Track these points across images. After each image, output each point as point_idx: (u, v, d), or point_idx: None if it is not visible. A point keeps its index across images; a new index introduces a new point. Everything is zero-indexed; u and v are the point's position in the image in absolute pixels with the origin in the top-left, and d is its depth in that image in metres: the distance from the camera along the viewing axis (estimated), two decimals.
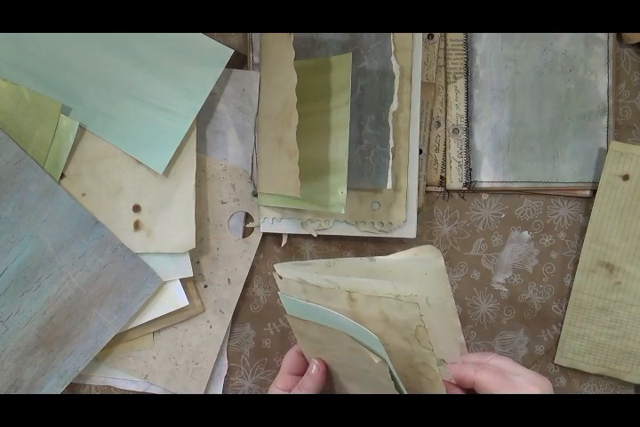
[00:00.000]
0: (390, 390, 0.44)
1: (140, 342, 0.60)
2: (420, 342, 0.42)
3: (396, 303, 0.41)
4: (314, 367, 0.48)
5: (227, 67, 0.56)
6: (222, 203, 0.60)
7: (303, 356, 0.50)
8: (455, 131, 0.61)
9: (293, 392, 0.48)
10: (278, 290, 0.46)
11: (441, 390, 0.43)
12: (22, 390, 0.56)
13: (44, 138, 0.55)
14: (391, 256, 0.45)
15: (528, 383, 0.43)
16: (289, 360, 0.50)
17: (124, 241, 0.57)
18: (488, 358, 0.45)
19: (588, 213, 0.61)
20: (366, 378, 0.46)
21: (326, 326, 0.44)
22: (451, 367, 0.45)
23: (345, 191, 0.53)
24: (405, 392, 0.44)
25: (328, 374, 0.48)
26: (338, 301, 0.43)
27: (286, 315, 0.47)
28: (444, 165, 0.61)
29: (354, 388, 0.48)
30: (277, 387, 0.49)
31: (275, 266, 0.45)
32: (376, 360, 0.42)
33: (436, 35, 0.59)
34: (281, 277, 0.45)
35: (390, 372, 0.42)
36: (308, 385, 0.48)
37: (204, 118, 0.59)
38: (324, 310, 0.43)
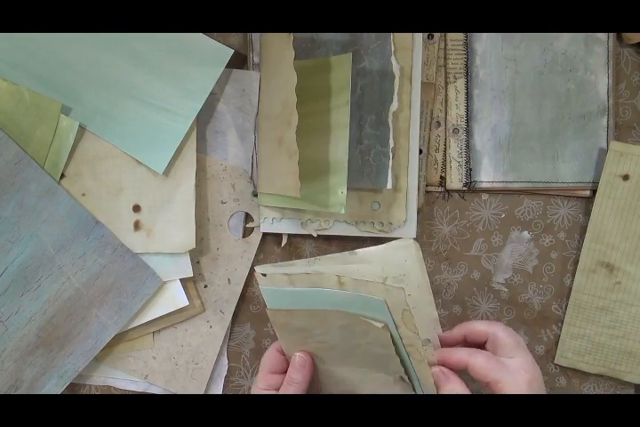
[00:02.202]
0: (389, 357, 0.44)
1: (140, 342, 0.60)
2: (406, 325, 0.43)
3: (383, 288, 0.43)
4: (297, 360, 0.48)
5: (227, 67, 0.56)
6: (222, 203, 0.60)
7: (283, 354, 0.50)
8: (455, 131, 0.61)
9: (282, 389, 0.48)
10: (259, 286, 0.47)
11: (426, 371, 0.45)
12: (22, 390, 0.56)
13: (44, 138, 0.55)
14: (371, 248, 0.46)
15: (519, 368, 0.44)
16: (269, 359, 0.50)
17: (124, 241, 0.57)
18: (495, 328, 0.46)
19: (588, 213, 0.61)
20: (358, 354, 0.46)
21: (314, 309, 0.44)
22: (442, 352, 0.46)
23: (345, 191, 0.53)
24: (405, 355, 0.45)
25: (313, 364, 0.48)
26: (327, 285, 0.44)
27: (267, 309, 0.47)
28: (444, 165, 0.61)
29: (342, 371, 0.49)
30: (259, 388, 0.49)
31: (255, 267, 0.46)
32: (379, 325, 0.43)
33: (436, 35, 0.59)
34: (264, 275, 0.45)
35: (391, 336, 0.43)
36: (297, 378, 0.48)
37: (204, 118, 0.59)
38: (315, 290, 0.44)
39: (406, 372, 0.46)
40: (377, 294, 0.43)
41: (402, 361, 0.46)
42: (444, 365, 0.45)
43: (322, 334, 0.47)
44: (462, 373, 0.45)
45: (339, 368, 0.49)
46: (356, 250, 0.47)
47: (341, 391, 0.50)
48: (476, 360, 0.44)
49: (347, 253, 0.47)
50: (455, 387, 0.44)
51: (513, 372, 0.44)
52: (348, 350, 0.47)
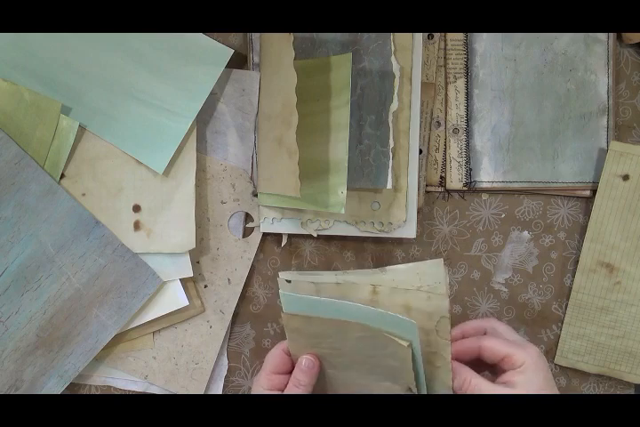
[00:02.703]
0: (403, 370, 0.44)
1: (140, 342, 0.60)
2: (438, 333, 0.44)
3: (425, 295, 0.43)
4: (305, 362, 0.48)
5: (227, 67, 0.56)
6: (222, 203, 0.60)
7: (288, 355, 0.49)
8: (455, 131, 0.61)
9: (287, 390, 0.48)
10: (279, 289, 0.46)
11: (447, 374, 0.45)
12: (22, 390, 0.56)
13: (43, 138, 0.55)
14: (401, 265, 0.46)
15: (526, 343, 0.47)
16: (274, 359, 0.49)
17: (124, 241, 0.57)
18: (491, 321, 0.50)
19: (588, 213, 0.61)
20: (370, 363, 0.46)
21: (336, 319, 0.44)
22: (453, 344, 0.47)
23: (345, 191, 0.53)
24: (422, 370, 0.45)
25: (320, 367, 0.48)
26: (359, 294, 0.44)
27: (283, 313, 0.47)
28: (444, 165, 0.61)
29: (349, 375, 0.48)
30: (263, 387, 0.48)
31: (280, 273, 0.45)
32: (404, 344, 0.43)
33: (436, 35, 0.59)
34: (289, 281, 0.45)
35: (413, 354, 0.43)
36: (304, 381, 0.47)
37: (204, 118, 0.59)
38: (342, 302, 0.43)
39: (417, 385, 0.46)
40: (417, 302, 0.43)
41: (416, 375, 0.45)
42: (456, 358, 0.47)
43: (336, 341, 0.46)
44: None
45: (346, 373, 0.48)
46: (386, 267, 0.46)
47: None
48: (487, 341, 0.47)
49: (377, 269, 0.46)
50: (468, 375, 0.46)
51: (523, 346, 0.46)
52: (361, 358, 0.46)
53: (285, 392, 0.48)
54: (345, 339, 0.45)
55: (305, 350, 0.48)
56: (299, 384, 0.47)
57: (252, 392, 0.50)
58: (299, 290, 0.45)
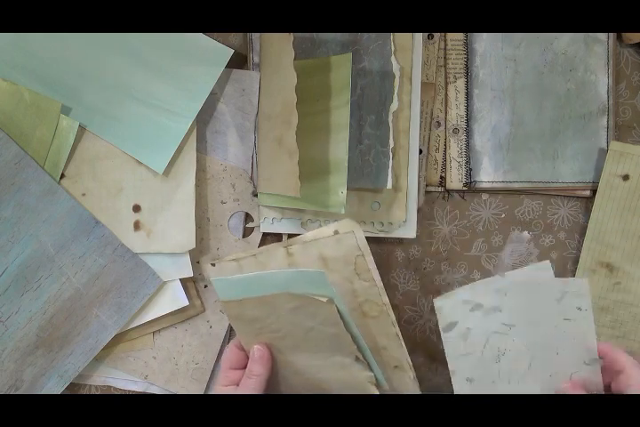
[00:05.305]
0: (340, 335, 0.44)
1: (140, 342, 0.60)
2: (359, 276, 0.43)
3: (334, 239, 0.43)
4: (255, 352, 0.48)
5: (227, 67, 0.56)
6: (222, 203, 0.60)
7: (242, 350, 0.50)
8: (455, 131, 0.61)
9: (242, 382, 0.48)
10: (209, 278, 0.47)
11: (387, 324, 0.46)
12: (22, 390, 0.56)
13: (43, 138, 0.55)
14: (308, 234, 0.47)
15: None
16: (229, 355, 0.50)
17: (124, 241, 0.57)
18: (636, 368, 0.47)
19: (588, 213, 0.61)
20: (312, 338, 0.46)
21: (263, 295, 0.44)
22: (613, 345, 0.47)
23: (345, 191, 0.53)
24: (356, 330, 0.45)
25: (272, 355, 0.49)
26: (275, 261, 0.44)
27: (220, 301, 0.47)
28: (444, 165, 0.61)
29: (300, 360, 0.49)
30: (222, 385, 0.49)
31: (210, 262, 0.48)
32: (323, 300, 0.43)
33: (436, 35, 0.59)
34: (213, 264, 0.46)
35: (339, 311, 0.43)
36: (257, 370, 0.48)
37: (204, 118, 0.59)
38: (260, 274, 0.44)
39: (359, 349, 0.46)
40: (329, 249, 0.43)
41: (353, 338, 0.45)
42: (602, 352, 0.47)
43: (274, 322, 0.47)
44: None
45: (296, 357, 0.49)
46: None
47: (303, 381, 0.50)
48: (633, 371, 0.46)
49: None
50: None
51: None
52: (302, 335, 0.47)
53: (240, 385, 0.48)
54: (280, 316, 0.46)
55: (253, 339, 0.49)
56: (251, 375, 0.48)
57: (214, 392, 0.50)
58: (224, 271, 0.46)
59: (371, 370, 0.48)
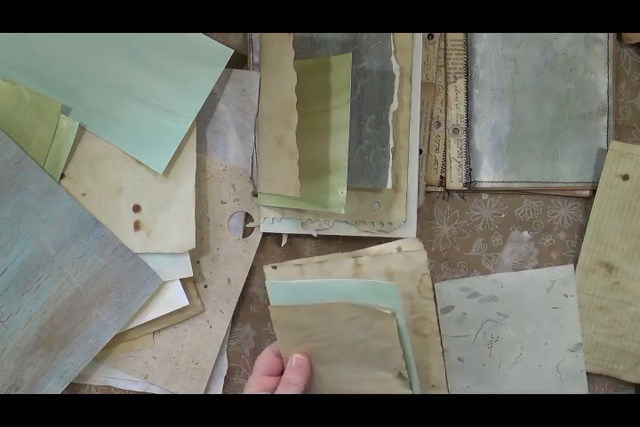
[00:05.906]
0: (391, 350, 0.44)
1: (140, 342, 0.60)
2: (420, 294, 0.44)
3: (403, 256, 0.43)
4: (295, 361, 0.47)
5: (227, 67, 0.56)
6: (222, 203, 0.60)
7: (278, 357, 0.49)
8: (455, 131, 0.61)
9: (279, 390, 0.47)
10: (265, 281, 0.47)
11: (435, 343, 0.46)
12: (22, 390, 0.56)
13: (43, 138, 0.55)
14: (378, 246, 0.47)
15: None
16: (264, 361, 0.49)
17: (124, 241, 0.57)
18: None
19: (587, 213, 0.61)
20: (359, 350, 0.46)
21: (319, 304, 0.44)
22: None
23: (345, 191, 0.53)
24: (409, 347, 0.45)
25: (311, 365, 0.48)
26: (341, 270, 0.44)
27: (270, 306, 0.47)
28: (444, 165, 0.61)
29: (340, 371, 0.48)
30: (253, 390, 0.48)
31: (264, 266, 0.47)
32: (388, 312, 0.43)
33: (436, 35, 0.59)
34: (275, 267, 0.45)
35: (398, 327, 0.44)
36: (295, 379, 0.47)
37: (204, 118, 0.59)
38: (324, 282, 0.44)
39: (407, 366, 0.46)
40: (397, 265, 0.44)
41: (404, 354, 0.45)
42: None
43: (324, 330, 0.46)
44: None
45: (336, 369, 0.48)
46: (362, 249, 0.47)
47: (339, 392, 0.50)
48: None
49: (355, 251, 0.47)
50: None
51: None
52: (349, 347, 0.47)
53: (277, 393, 0.47)
54: (332, 325, 0.45)
55: (294, 347, 0.48)
56: (289, 384, 0.47)
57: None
58: (284, 276, 0.46)
59: (410, 388, 0.47)
